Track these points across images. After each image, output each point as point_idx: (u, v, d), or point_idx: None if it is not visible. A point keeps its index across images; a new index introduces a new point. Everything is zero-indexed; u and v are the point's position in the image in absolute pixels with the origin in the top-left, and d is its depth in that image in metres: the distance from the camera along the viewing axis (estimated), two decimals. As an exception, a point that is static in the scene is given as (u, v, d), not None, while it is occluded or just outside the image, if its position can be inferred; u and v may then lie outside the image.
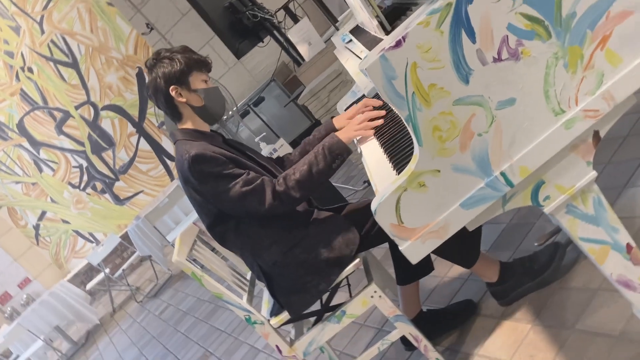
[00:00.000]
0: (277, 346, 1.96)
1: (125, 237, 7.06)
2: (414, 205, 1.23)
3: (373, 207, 1.25)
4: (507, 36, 1.15)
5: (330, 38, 4.74)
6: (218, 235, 1.96)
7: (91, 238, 9.30)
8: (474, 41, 1.15)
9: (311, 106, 4.16)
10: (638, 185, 2.03)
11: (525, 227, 2.28)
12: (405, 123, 1.19)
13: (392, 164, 1.48)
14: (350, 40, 2.23)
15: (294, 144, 7.00)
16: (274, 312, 1.97)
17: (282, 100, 6.85)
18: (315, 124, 6.56)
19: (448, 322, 2.15)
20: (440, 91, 1.17)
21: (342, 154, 1.80)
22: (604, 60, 1.16)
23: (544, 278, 1.94)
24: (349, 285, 2.08)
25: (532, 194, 1.25)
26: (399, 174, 1.37)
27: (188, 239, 2.10)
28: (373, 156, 1.67)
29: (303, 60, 4.81)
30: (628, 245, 1.29)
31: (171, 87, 1.91)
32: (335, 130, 2.04)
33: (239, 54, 5.08)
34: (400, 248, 1.25)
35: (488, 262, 1.98)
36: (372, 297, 1.90)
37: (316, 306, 1.96)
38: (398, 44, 1.15)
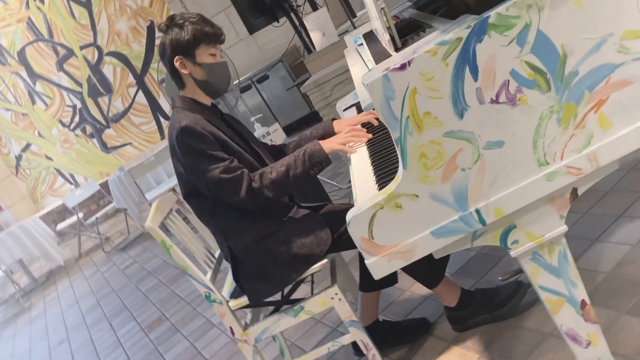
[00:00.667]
0: (231, 327, 1.99)
1: (105, 185, 7.05)
2: (387, 224, 1.25)
3: (348, 217, 1.28)
4: (509, 81, 1.17)
5: (344, 33, 4.74)
6: (193, 207, 1.98)
7: (71, 179, 9.26)
8: (475, 79, 1.17)
9: (313, 96, 4.17)
10: (608, 241, 2.07)
11: (494, 259, 2.32)
12: (394, 143, 1.22)
13: (375, 177, 1.50)
14: (362, 44, 2.25)
15: (288, 129, 7.01)
16: (234, 295, 2.00)
17: (286, 82, 6.85)
18: (313, 113, 6.58)
19: (400, 336, 2.19)
20: (434, 120, 1.19)
21: (322, 163, 1.81)
22: (596, 123, 1.19)
23: (500, 313, 1.98)
24: (312, 282, 2.11)
25: (501, 236, 1.28)
26: (380, 189, 1.40)
27: (164, 206, 2.11)
28: (360, 164, 1.70)
29: (314, 48, 4.80)
30: (583, 301, 1.33)
31: (176, 57, 1.91)
32: (333, 133, 2.06)
33: (251, 29, 5.07)
34: (365, 262, 1.28)
35: (450, 287, 2.02)
36: (332, 298, 1.94)
37: (276, 296, 1.99)
38: (403, 67, 1.17)
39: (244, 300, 1.96)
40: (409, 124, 1.19)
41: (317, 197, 2.82)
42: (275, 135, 3.37)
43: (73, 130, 8.88)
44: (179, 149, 1.84)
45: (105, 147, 8.89)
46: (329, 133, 2.07)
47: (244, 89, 7.00)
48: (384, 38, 1.55)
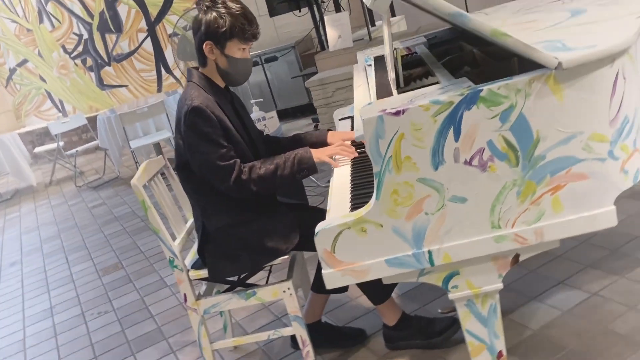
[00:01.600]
0: (185, 294, 2.13)
1: (92, 120, 7.08)
2: (350, 243, 1.40)
3: (317, 229, 1.42)
4: (484, 149, 1.32)
5: (359, 40, 4.86)
6: (181, 178, 2.10)
7: (59, 106, 9.25)
8: (456, 140, 1.32)
9: (314, 93, 4.29)
10: (544, 302, 2.25)
11: (438, 291, 2.49)
12: (374, 175, 1.36)
13: (351, 196, 1.65)
14: (371, 65, 2.38)
15: (283, 113, 7.12)
16: (196, 266, 2.13)
17: (292, 70, 6.95)
18: (311, 104, 6.69)
19: (337, 340, 2.35)
20: (412, 165, 1.34)
21: (308, 170, 1.94)
22: (549, 204, 1.35)
23: (432, 342, 2.15)
24: (270, 271, 2.25)
25: (445, 278, 1.44)
26: (352, 209, 1.54)
27: (152, 168, 2.23)
28: (341, 180, 1.84)
29: (327, 47, 4.92)
30: (500, 352, 1.50)
31: (207, 42, 1.98)
32: (326, 142, 2.19)
33: (273, 12, 5.16)
34: (322, 271, 1.43)
35: (393, 308, 2.18)
36: (284, 291, 2.08)
37: (233, 277, 2.13)
38: (397, 113, 1.31)
39: (203, 273, 2.10)
40: (390, 162, 1.34)
41: (296, 196, 2.96)
42: (270, 122, 3.49)
43: (73, 58, 8.86)
44: (184, 125, 1.95)
45: (101, 83, 8.88)
46: (322, 142, 2.20)
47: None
48: (391, 74, 1.69)
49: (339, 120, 2.64)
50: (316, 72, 4.97)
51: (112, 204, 5.62)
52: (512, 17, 2.08)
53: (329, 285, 1.44)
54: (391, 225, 1.38)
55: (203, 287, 2.26)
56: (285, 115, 7.27)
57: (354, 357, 2.28)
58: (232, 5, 1.99)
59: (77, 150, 6.60)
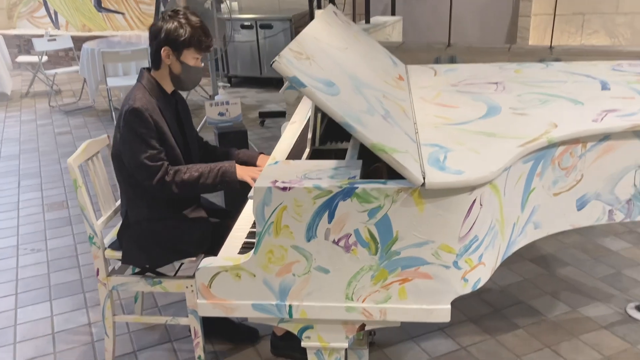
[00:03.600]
0: (97, 269, 2.33)
1: (82, 40, 7.10)
2: (225, 283, 1.61)
3: (200, 265, 1.63)
4: (351, 235, 1.53)
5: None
6: (115, 166, 2.27)
7: (53, 17, 9.19)
8: (329, 222, 1.52)
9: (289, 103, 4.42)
10: (419, 344, 2.52)
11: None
12: (256, 234, 1.56)
13: (247, 236, 1.85)
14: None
15: (267, 82, 7.21)
16: (113, 246, 2.33)
17: (286, 41, 7.02)
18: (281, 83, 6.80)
19: (231, 335, 2.60)
20: (289, 233, 1.54)
21: (229, 184, 2.14)
22: (396, 291, 1.57)
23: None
24: (180, 264, 2.46)
25: (300, 329, 1.67)
26: (240, 251, 1.75)
27: (92, 148, 2.40)
28: (249, 213, 2.03)
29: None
30: (338, 396, 1.74)
31: (165, 47, 2.15)
32: (255, 163, 2.37)
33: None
34: (197, 300, 1.64)
35: (282, 321, 2.42)
36: (187, 287, 2.30)
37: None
38: (285, 189, 1.50)
39: (118, 254, 2.30)
40: (271, 227, 1.54)
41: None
42: (232, 107, 3.64)
43: (76, -29, 8.77)
44: (122, 121, 2.13)
45: (98, 5, 8.84)
46: (251, 162, 2.38)
47: (245, 27, 7.14)
48: (309, 134, 1.88)
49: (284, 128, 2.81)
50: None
51: (78, 135, 5.74)
52: (444, 93, 2.26)
53: (201, 313, 1.65)
54: (262, 277, 1.59)
55: (118, 263, 2.47)
56: (269, 83, 7.38)
57: (242, 354, 2.53)
58: (192, 18, 2.18)
59: (56, 72, 6.65)
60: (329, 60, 1.75)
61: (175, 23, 2.13)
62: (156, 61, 2.21)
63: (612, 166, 1.91)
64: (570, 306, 2.75)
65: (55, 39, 6.76)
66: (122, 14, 8.77)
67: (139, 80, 2.23)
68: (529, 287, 2.93)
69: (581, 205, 1.93)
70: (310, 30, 1.86)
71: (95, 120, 6.20)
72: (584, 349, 2.45)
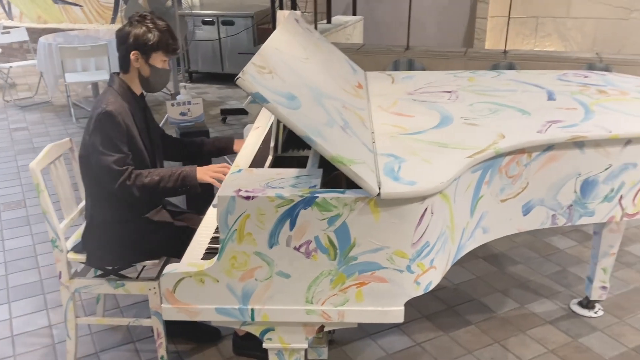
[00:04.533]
0: (60, 272, 2.35)
1: (38, 33, 6.96)
2: (189, 288, 1.67)
3: (165, 271, 1.68)
4: (311, 241, 1.60)
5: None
6: (81, 168, 2.30)
7: (6, 7, 8.94)
8: (291, 229, 1.59)
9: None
10: (377, 341, 2.62)
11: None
12: (219, 240, 1.62)
13: (210, 242, 1.91)
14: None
15: (229, 77, 7.21)
16: (76, 249, 2.35)
17: (248, 37, 7.05)
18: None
19: (192, 334, 2.65)
20: (252, 240, 1.61)
21: (191, 188, 2.18)
22: (353, 295, 1.65)
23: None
24: (144, 266, 2.49)
25: (262, 331, 1.74)
26: (204, 257, 1.81)
27: (55, 152, 2.40)
28: (213, 218, 2.08)
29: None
30: (298, 394, 1.82)
31: (134, 52, 2.21)
32: (232, 149, 2.46)
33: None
34: (162, 305, 1.69)
35: (244, 321, 2.49)
36: (149, 289, 2.34)
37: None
38: (248, 198, 1.57)
39: (82, 257, 2.32)
40: (234, 234, 1.60)
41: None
42: (194, 107, 3.67)
43: (31, -37, 8.55)
44: (93, 124, 2.16)
45: (55, -5, 8.65)
46: (228, 147, 2.46)
47: (207, 22, 7.13)
48: (272, 142, 1.94)
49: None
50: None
51: (34, 132, 5.64)
52: (401, 102, 2.36)
53: (166, 317, 1.71)
54: (226, 282, 1.66)
55: (80, 266, 2.48)
56: (230, 79, 7.34)
57: (203, 354, 2.58)
58: (159, 22, 2.25)
59: (10, 66, 6.51)
60: (290, 72, 1.82)
61: (144, 28, 2.20)
62: (125, 65, 2.26)
63: (555, 174, 2.04)
64: (519, 302, 2.90)
65: (9, 32, 6.60)
66: (80, 6, 8.61)
67: (110, 84, 2.28)
68: (481, 284, 3.08)
69: (527, 210, 2.06)
70: (272, 42, 1.93)
71: (53, 117, 6.10)
72: (530, 343, 2.60)
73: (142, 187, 2.17)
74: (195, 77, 7.58)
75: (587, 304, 2.80)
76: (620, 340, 2.60)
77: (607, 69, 3.85)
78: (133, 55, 2.22)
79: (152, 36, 2.20)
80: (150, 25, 2.21)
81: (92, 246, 2.30)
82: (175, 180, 2.19)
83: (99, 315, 2.76)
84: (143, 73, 2.26)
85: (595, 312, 2.78)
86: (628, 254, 3.35)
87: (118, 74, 2.30)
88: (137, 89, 2.32)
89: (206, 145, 2.56)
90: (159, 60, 2.25)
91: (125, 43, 2.22)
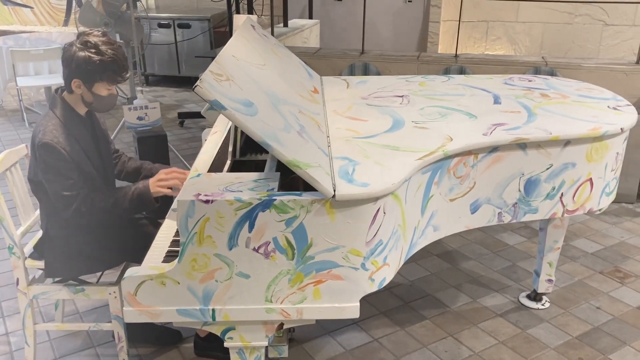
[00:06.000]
0: (17, 279, 2.34)
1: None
2: (150, 291, 1.71)
3: (126, 274, 1.71)
4: (270, 242, 1.67)
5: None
6: (32, 187, 2.26)
7: (-48, 9, 8.65)
8: (250, 231, 1.65)
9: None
10: (335, 338, 2.69)
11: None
12: (180, 243, 1.67)
13: (170, 245, 1.95)
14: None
15: (187, 80, 7.18)
16: (34, 256, 2.34)
17: (204, 41, 7.04)
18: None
19: (153, 337, 2.67)
20: (212, 243, 1.66)
21: (147, 204, 2.18)
22: (311, 292, 1.72)
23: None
24: (102, 273, 2.51)
25: (223, 330, 1.79)
26: (164, 260, 1.85)
27: (10, 159, 2.39)
28: (170, 222, 2.12)
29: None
30: (258, 391, 1.88)
31: (75, 80, 2.10)
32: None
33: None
34: (123, 308, 1.73)
35: (205, 322, 2.53)
36: (110, 294, 2.35)
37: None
38: (207, 202, 1.62)
39: (39, 264, 2.32)
40: (194, 237, 1.65)
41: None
42: (151, 112, 3.67)
43: (-22, -37, 8.31)
44: (37, 152, 2.11)
45: (3, -4, 8.43)
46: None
47: (163, 26, 7.09)
48: (230, 147, 1.99)
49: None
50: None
51: (-15, 137, 5.51)
52: (355, 106, 2.45)
53: (127, 320, 1.74)
54: (186, 284, 1.70)
55: (39, 272, 2.47)
56: (187, 82, 7.35)
57: (166, 356, 2.61)
58: (106, 49, 2.09)
59: (-42, 71, 6.31)
60: (247, 78, 1.88)
61: (87, 54, 2.06)
62: (69, 87, 2.17)
63: (500, 174, 2.16)
64: (471, 297, 3.03)
65: (-43, 35, 6.41)
66: (31, 7, 8.41)
67: (51, 107, 2.20)
68: (435, 280, 3.20)
69: (474, 209, 2.17)
70: (229, 49, 1.98)
71: (4, 121, 5.96)
72: (482, 335, 2.73)
73: (99, 212, 2.14)
74: (152, 80, 7.52)
75: (535, 296, 2.95)
76: (565, 330, 2.76)
77: (552, 72, 4.04)
78: (74, 83, 2.12)
79: (95, 66, 2.06)
80: (93, 54, 2.06)
81: (49, 256, 2.29)
82: (131, 199, 2.17)
83: (57, 321, 2.75)
84: (86, 99, 2.18)
85: (543, 304, 2.93)
86: (573, 248, 3.53)
87: (63, 90, 2.21)
88: (82, 110, 2.24)
89: (144, 169, 2.50)
90: (102, 88, 2.14)
91: (69, 67, 2.10)
